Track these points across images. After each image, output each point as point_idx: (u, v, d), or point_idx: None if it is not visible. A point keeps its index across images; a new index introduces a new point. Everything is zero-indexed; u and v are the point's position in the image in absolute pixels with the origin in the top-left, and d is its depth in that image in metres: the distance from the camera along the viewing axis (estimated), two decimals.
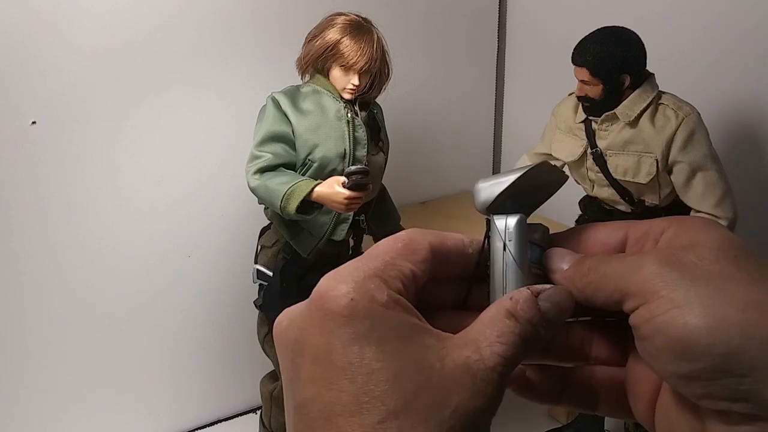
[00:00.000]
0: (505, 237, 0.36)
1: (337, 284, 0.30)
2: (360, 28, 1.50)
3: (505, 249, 0.36)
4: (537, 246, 0.36)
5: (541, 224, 0.37)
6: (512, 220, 0.36)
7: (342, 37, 1.48)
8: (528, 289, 0.33)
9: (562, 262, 0.35)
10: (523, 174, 0.36)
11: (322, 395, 0.28)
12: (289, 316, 0.31)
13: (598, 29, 1.50)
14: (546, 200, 0.39)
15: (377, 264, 0.31)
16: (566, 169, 1.70)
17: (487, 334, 0.30)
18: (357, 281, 0.30)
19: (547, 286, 0.34)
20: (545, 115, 1.73)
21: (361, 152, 1.54)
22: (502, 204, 0.36)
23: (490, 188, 0.36)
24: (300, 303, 0.31)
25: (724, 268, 0.29)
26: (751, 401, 0.27)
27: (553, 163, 1.69)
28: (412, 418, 0.27)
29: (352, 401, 0.28)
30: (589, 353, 0.36)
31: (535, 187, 0.37)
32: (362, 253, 1.63)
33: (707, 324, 0.28)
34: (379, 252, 0.32)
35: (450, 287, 0.35)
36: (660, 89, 1.52)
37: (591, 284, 0.32)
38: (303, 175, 1.51)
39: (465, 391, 0.28)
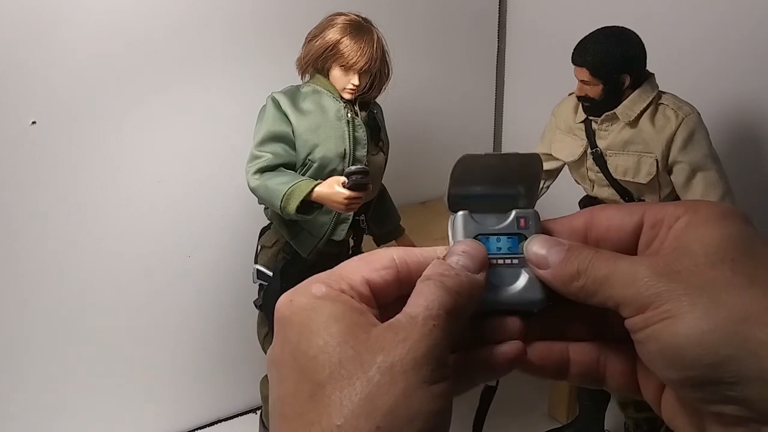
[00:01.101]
0: (450, 237, 0.37)
1: (285, 296, 0.33)
2: (360, 28, 1.50)
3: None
4: (505, 235, 0.36)
5: (517, 210, 0.36)
6: (452, 219, 0.37)
7: (342, 37, 1.48)
8: (436, 259, 0.34)
9: (544, 258, 0.34)
10: (452, 172, 0.36)
11: (279, 392, 0.31)
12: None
13: (598, 29, 1.50)
14: (532, 184, 0.38)
15: (324, 275, 0.34)
16: (566, 170, 1.70)
17: (411, 300, 0.32)
18: (300, 288, 0.33)
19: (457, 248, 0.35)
20: (545, 115, 1.73)
21: (361, 152, 1.54)
22: (459, 204, 0.37)
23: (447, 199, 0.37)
24: None
25: (719, 274, 0.29)
26: (742, 405, 0.28)
27: (553, 163, 1.71)
28: (339, 385, 0.29)
29: (293, 387, 0.30)
30: (602, 330, 0.36)
31: (489, 178, 0.37)
32: (362, 252, 1.63)
33: (696, 334, 0.28)
34: (335, 268, 0.34)
35: None
36: (660, 89, 1.52)
37: (583, 290, 0.33)
38: (303, 175, 1.51)
39: (389, 344, 0.30)
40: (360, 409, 0.28)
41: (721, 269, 0.30)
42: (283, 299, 0.33)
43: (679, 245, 0.32)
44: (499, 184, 0.37)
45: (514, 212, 0.36)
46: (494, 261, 0.36)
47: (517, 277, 0.35)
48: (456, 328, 0.32)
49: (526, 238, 0.36)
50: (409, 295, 0.33)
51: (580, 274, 0.33)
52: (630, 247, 0.34)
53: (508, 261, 0.36)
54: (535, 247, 0.35)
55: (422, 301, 0.31)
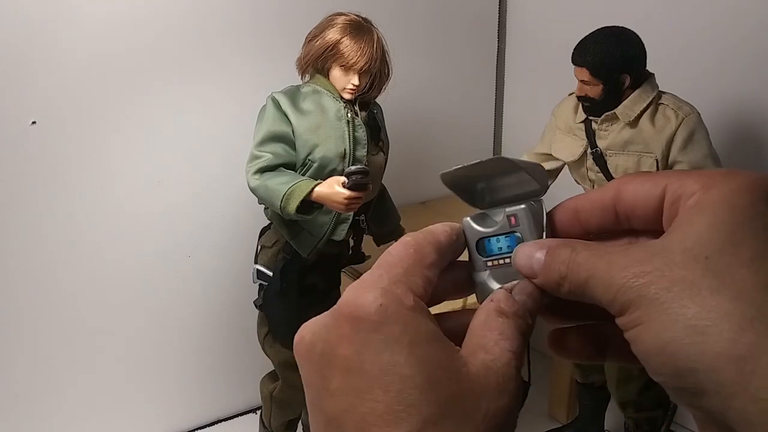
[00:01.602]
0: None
1: (364, 292, 0.30)
2: (360, 28, 1.50)
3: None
4: (502, 235, 0.36)
5: (505, 209, 0.36)
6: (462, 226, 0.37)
7: (342, 37, 1.48)
8: (502, 288, 0.34)
9: (530, 269, 0.34)
10: (476, 164, 0.35)
11: (356, 406, 0.28)
12: (311, 330, 0.31)
13: (598, 29, 1.50)
14: (537, 188, 0.37)
15: (398, 271, 0.31)
16: (565, 170, 1.70)
17: (488, 335, 0.31)
18: (383, 288, 0.30)
19: (515, 282, 0.34)
20: (545, 115, 1.73)
21: (361, 152, 1.54)
22: (461, 186, 0.37)
23: (452, 170, 0.37)
24: (321, 315, 0.31)
25: (688, 275, 0.28)
26: (705, 414, 0.28)
27: (553, 163, 1.70)
28: (447, 426, 0.28)
29: (386, 411, 0.27)
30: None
31: (495, 185, 0.37)
32: (362, 252, 1.62)
33: (658, 345, 0.28)
34: (396, 259, 0.32)
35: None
36: (660, 89, 1.52)
37: (571, 294, 0.33)
38: (303, 175, 1.50)
39: (491, 392, 0.29)
40: None
41: (692, 269, 0.28)
42: (366, 297, 0.30)
43: (663, 238, 0.31)
44: (505, 182, 0.37)
45: (503, 212, 0.36)
46: (498, 262, 0.36)
47: (519, 275, 0.35)
48: None
49: (520, 235, 0.36)
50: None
51: (563, 279, 0.32)
52: (656, 222, 0.33)
53: (508, 260, 0.36)
54: (518, 259, 0.35)
55: (508, 345, 0.31)
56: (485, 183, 0.38)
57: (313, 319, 0.32)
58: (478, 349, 0.30)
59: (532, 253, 0.34)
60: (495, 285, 0.36)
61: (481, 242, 0.36)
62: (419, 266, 0.32)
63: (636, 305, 0.29)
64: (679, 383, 0.28)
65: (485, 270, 0.36)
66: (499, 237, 0.36)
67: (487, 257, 0.36)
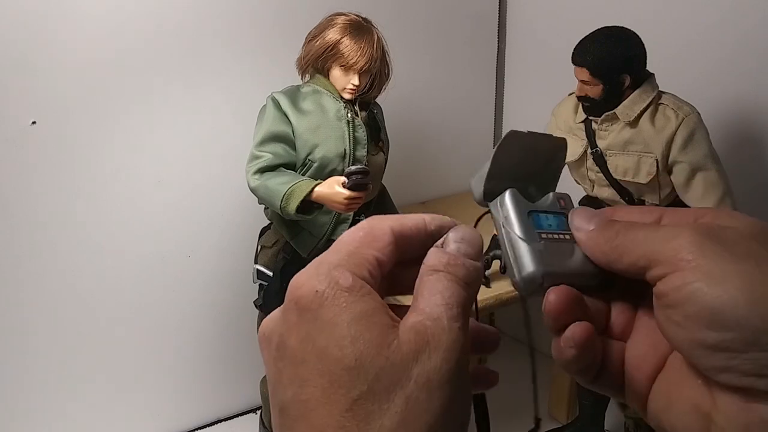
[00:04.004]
0: (500, 215, 0.37)
1: (304, 281, 0.30)
2: (360, 28, 1.50)
3: (503, 227, 0.36)
4: (551, 213, 0.37)
5: (554, 192, 0.37)
6: (502, 198, 0.37)
7: (342, 37, 1.48)
8: (434, 247, 0.33)
9: (587, 222, 0.35)
10: (498, 150, 0.36)
11: (298, 395, 0.29)
12: (268, 324, 0.32)
13: (599, 29, 1.50)
14: (558, 168, 0.39)
15: (341, 255, 0.31)
16: (566, 169, 1.70)
17: (420, 297, 0.31)
18: (322, 274, 0.30)
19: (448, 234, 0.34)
20: (545, 115, 1.73)
21: (361, 152, 1.54)
22: (497, 188, 0.37)
23: (478, 178, 0.37)
24: (277, 308, 0.32)
25: (761, 249, 0.29)
26: None
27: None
28: (375, 401, 0.28)
29: (321, 395, 0.28)
30: (601, 324, 0.36)
31: (526, 159, 0.37)
32: None
33: (745, 297, 0.28)
34: (342, 244, 0.32)
35: (416, 267, 0.35)
36: (660, 89, 1.52)
37: (617, 248, 0.33)
38: (303, 175, 1.51)
39: (422, 355, 0.28)
40: (402, 429, 0.27)
41: (762, 247, 0.30)
42: (306, 285, 0.30)
43: (716, 225, 0.32)
44: (534, 163, 0.38)
45: (552, 194, 0.37)
46: (551, 236, 0.36)
47: (572, 252, 0.36)
48: (468, 324, 0.31)
49: (565, 215, 0.37)
50: (395, 266, 0.32)
51: (617, 233, 0.33)
52: None
53: (562, 236, 0.36)
54: (582, 217, 0.36)
55: (439, 299, 0.30)
56: (527, 164, 0.38)
57: (272, 312, 0.32)
58: (410, 313, 0.30)
59: (590, 216, 0.35)
60: (549, 257, 0.35)
61: (532, 215, 0.37)
62: (367, 248, 0.31)
63: (710, 258, 0.29)
64: (759, 338, 0.28)
65: (539, 241, 0.36)
66: (548, 215, 0.37)
67: (538, 230, 0.36)
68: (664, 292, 0.30)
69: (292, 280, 0.31)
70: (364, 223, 0.33)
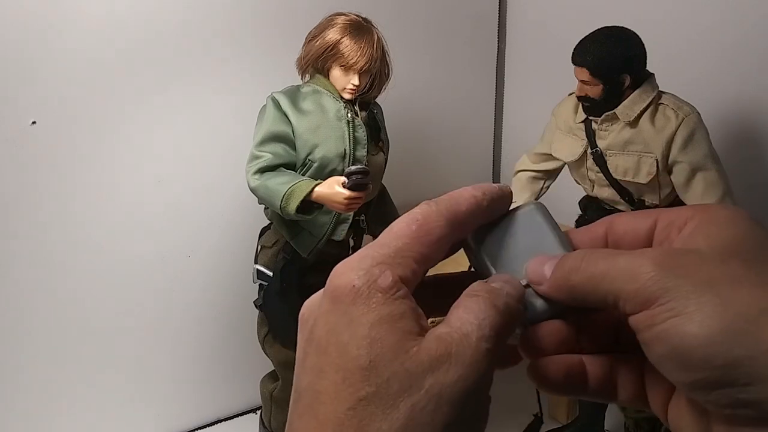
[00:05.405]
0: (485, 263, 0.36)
1: (344, 272, 0.30)
2: (360, 28, 1.50)
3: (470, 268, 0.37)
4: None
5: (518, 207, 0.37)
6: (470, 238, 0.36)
7: (342, 37, 1.48)
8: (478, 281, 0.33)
9: (542, 271, 0.34)
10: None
11: (314, 384, 0.29)
12: (308, 306, 0.32)
13: (599, 29, 1.50)
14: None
15: (387, 251, 0.31)
16: (566, 169, 1.70)
17: (453, 313, 0.30)
18: (363, 269, 0.30)
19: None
20: (545, 115, 1.73)
21: (361, 152, 1.54)
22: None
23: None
24: (319, 291, 0.32)
25: (728, 270, 0.28)
26: (754, 408, 0.27)
27: (553, 163, 1.71)
28: (380, 403, 0.28)
29: (333, 389, 0.28)
30: (612, 341, 0.35)
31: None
32: None
33: (706, 334, 0.27)
34: (391, 237, 0.31)
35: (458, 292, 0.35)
36: (660, 89, 1.52)
37: (576, 288, 0.31)
38: (303, 175, 1.51)
39: (440, 366, 0.28)
40: None
41: (731, 265, 0.28)
42: (346, 276, 0.30)
43: (686, 243, 0.31)
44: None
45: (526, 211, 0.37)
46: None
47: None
48: (499, 353, 0.30)
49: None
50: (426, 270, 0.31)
51: (572, 271, 0.32)
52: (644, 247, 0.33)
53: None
54: (532, 264, 0.34)
55: (472, 317, 0.29)
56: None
57: (316, 294, 0.32)
58: (441, 325, 0.30)
59: (545, 260, 0.34)
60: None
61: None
62: (416, 244, 0.31)
63: (670, 295, 0.28)
64: (727, 376, 0.27)
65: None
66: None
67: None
68: (637, 329, 0.30)
69: (336, 267, 0.31)
70: (419, 215, 0.32)
